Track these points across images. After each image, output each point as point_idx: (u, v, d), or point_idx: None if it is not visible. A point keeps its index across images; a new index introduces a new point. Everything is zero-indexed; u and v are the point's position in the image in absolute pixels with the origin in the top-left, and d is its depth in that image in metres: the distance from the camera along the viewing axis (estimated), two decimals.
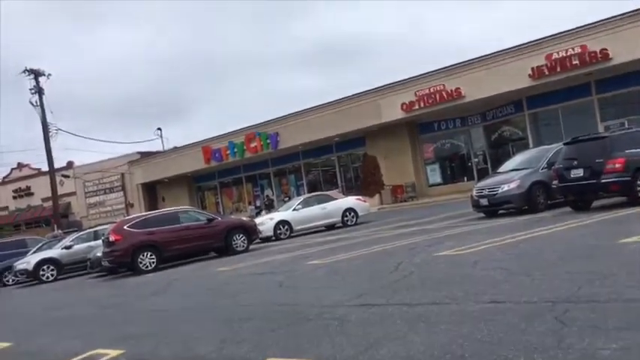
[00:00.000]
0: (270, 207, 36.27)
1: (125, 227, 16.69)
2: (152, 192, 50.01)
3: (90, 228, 24.31)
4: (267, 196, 41.09)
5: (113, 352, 6.67)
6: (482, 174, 28.17)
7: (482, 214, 15.73)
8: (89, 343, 7.44)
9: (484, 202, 15.24)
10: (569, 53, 25.65)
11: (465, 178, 32.22)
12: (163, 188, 49.21)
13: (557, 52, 25.97)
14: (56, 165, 42.85)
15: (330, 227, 22.29)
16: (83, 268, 21.00)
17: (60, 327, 9.43)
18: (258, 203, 39.90)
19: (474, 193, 15.66)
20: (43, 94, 39.86)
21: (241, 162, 42.34)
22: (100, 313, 10.34)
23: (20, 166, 58.73)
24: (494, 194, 14.97)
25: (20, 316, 12.37)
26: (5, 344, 8.51)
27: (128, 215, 46.02)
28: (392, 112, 31.79)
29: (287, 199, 36.94)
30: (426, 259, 9.68)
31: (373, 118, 32.61)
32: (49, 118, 40.29)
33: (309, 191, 38.46)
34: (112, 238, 16.44)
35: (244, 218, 19.52)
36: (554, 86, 27.38)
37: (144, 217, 17.29)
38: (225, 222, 17.98)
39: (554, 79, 26.40)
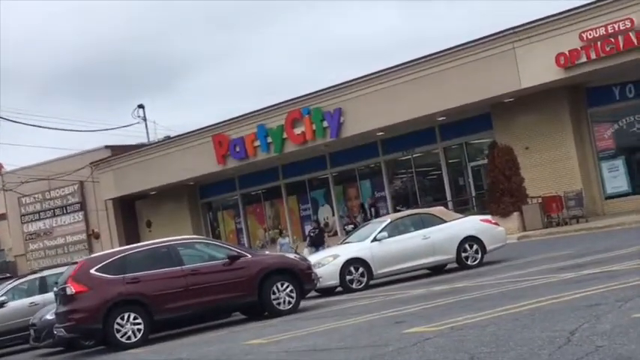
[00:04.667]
0: (318, 239, 36.28)
1: (92, 271, 16.98)
2: (130, 213, 51.14)
3: (32, 273, 24.83)
4: (316, 220, 41.16)
5: None
6: None
7: None
8: None
9: None
10: None
11: None
12: (148, 206, 50.24)
13: None
14: None
15: (437, 270, 22.15)
16: (23, 339, 21.41)
17: None
18: (347, 221, 39.51)
19: None
20: None
21: (279, 161, 42.76)
22: None
23: None
24: None
25: None
26: None
27: (93, 253, 47.43)
28: (538, 69, 31.52)
29: (351, 226, 36.94)
30: (620, 322, 9.43)
31: (505, 82, 32.40)
32: None
33: (396, 208, 38.46)
34: (71, 289, 16.74)
35: (291, 255, 19.54)
36: None
37: (122, 255, 17.58)
38: (260, 261, 18.10)
39: None
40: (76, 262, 18.16)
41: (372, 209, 40.65)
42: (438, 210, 23.74)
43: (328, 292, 21.17)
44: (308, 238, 39.37)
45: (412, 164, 40.63)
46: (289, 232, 44.14)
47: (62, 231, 52.53)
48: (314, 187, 44.42)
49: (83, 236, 51.87)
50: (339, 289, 21.33)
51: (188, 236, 20.92)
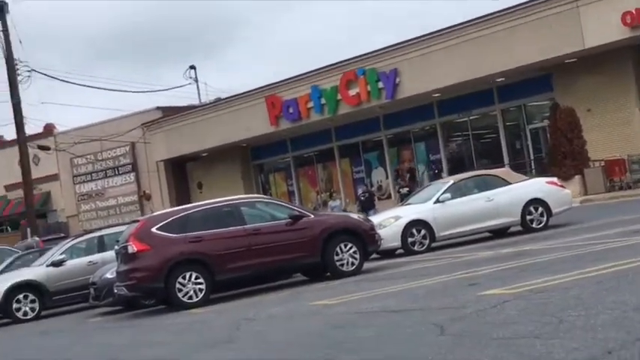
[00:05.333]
0: (368, 203, 35.96)
1: (154, 230, 16.83)
2: (181, 174, 51.17)
3: (88, 232, 24.82)
4: (367, 185, 40.85)
5: None
6: None
7: None
8: None
9: None
10: None
11: None
12: (199, 168, 50.20)
13: None
14: (27, 131, 44.36)
15: (499, 233, 21.79)
16: (82, 298, 21.47)
17: None
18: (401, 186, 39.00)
19: None
20: (7, 11, 41.18)
21: (333, 122, 42.38)
22: None
23: None
24: None
25: None
26: None
27: (144, 214, 47.59)
28: (603, 29, 30.77)
29: (406, 189, 36.55)
30: None
31: (568, 42, 31.70)
32: (16, 54, 41.71)
33: (451, 171, 37.97)
34: (133, 248, 16.62)
35: (354, 215, 19.23)
36: None
37: (184, 214, 17.42)
38: (323, 221, 17.86)
39: None
40: (138, 221, 18.02)
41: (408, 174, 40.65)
42: (502, 171, 23.30)
43: (389, 254, 20.82)
44: (357, 202, 39.10)
45: (469, 126, 39.99)
46: (342, 195, 43.80)
47: (114, 192, 52.65)
48: (367, 150, 43.96)
49: (135, 197, 51.96)
50: (400, 251, 21.02)
51: (250, 195, 20.71)
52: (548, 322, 8.71)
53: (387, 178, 43.00)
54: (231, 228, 17.12)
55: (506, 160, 37.65)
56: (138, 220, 18.10)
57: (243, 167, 48.60)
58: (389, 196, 41.78)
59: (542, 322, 8.83)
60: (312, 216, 18.09)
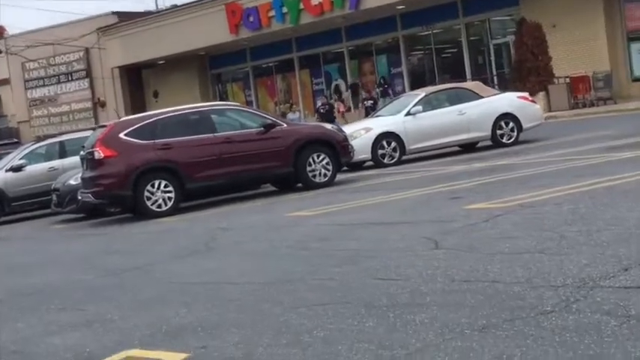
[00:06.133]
0: (327, 116, 35.45)
1: (122, 135, 16.30)
2: (137, 82, 50.22)
3: (48, 137, 24.15)
4: (327, 97, 40.30)
5: (168, 357, 6.28)
6: None
7: None
8: (113, 338, 7.10)
9: None
10: None
11: None
12: (156, 76, 49.22)
13: None
14: None
15: (468, 148, 21.56)
16: (42, 205, 21.00)
17: (47, 308, 9.06)
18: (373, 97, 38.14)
19: None
20: None
21: (294, 33, 41.63)
22: (108, 283, 9.95)
23: None
24: None
25: None
26: None
27: (98, 121, 46.69)
28: None
29: (370, 102, 36.21)
30: None
31: None
32: None
33: (412, 86, 37.64)
34: (99, 154, 16.08)
35: (328, 126, 18.83)
36: None
37: (152, 120, 16.90)
38: (296, 130, 17.47)
39: None
40: (104, 126, 17.42)
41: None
42: (474, 85, 22.93)
43: (357, 166, 20.50)
44: (317, 115, 38.59)
45: (431, 40, 39.57)
46: (300, 107, 43.33)
47: (67, 98, 51.55)
48: (328, 61, 43.46)
49: (89, 104, 51.00)
50: (369, 163, 20.74)
51: (222, 102, 20.17)
52: (549, 238, 8.45)
53: (346, 90, 42.58)
54: (201, 135, 16.64)
55: (468, 75, 37.40)
56: (105, 125, 17.49)
57: (200, 76, 47.85)
58: (349, 109, 41.41)
59: (542, 237, 8.57)
60: (285, 125, 17.63)
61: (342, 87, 42.95)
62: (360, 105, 39.45)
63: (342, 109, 39.06)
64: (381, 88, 39.57)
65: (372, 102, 35.54)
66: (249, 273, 9.21)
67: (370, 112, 35.31)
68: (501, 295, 6.53)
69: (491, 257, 7.95)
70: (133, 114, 29.75)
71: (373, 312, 6.60)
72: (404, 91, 37.92)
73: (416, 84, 36.92)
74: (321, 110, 36.73)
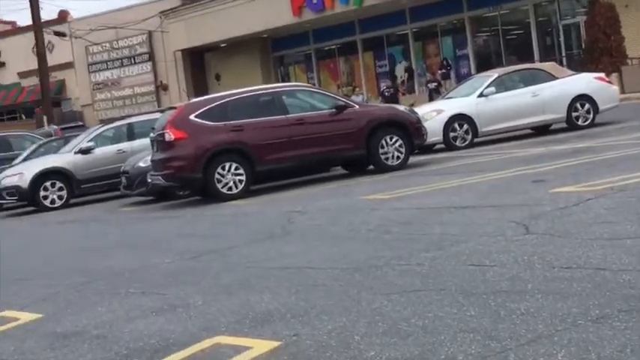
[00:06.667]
0: (392, 100, 34.95)
1: (192, 117, 16.10)
2: (199, 65, 50.21)
3: (119, 119, 24.11)
4: (390, 78, 39.90)
5: (259, 345, 5.97)
6: None
7: None
8: (198, 324, 6.89)
9: None
10: None
11: None
12: (218, 59, 49.16)
13: None
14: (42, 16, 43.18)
15: (541, 130, 21.08)
16: (110, 187, 20.99)
17: (127, 292, 8.89)
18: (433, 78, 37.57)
19: None
20: None
21: (357, 15, 41.19)
22: (185, 267, 9.75)
23: None
24: None
25: (26, 269, 12.14)
26: (35, 315, 8.20)
27: (161, 105, 46.79)
28: None
29: (434, 84, 35.84)
30: None
31: None
32: None
33: (478, 68, 37.04)
34: (170, 136, 15.89)
35: (401, 107, 18.44)
36: None
37: (223, 101, 16.64)
38: (368, 112, 17.13)
39: None
40: (175, 107, 17.25)
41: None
42: (549, 65, 22.34)
43: (427, 149, 20.09)
44: (381, 98, 38.20)
45: (498, 21, 38.83)
46: (363, 90, 42.95)
47: (130, 82, 51.78)
48: (392, 43, 42.96)
49: (151, 87, 51.17)
50: (440, 146, 20.34)
51: (293, 83, 19.89)
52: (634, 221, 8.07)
53: (403, 74, 42.10)
54: (273, 117, 16.39)
55: (536, 56, 36.64)
56: (175, 107, 17.33)
57: (262, 59, 47.65)
58: (412, 91, 40.95)
59: (626, 219, 8.20)
60: (358, 107, 17.28)
61: (400, 71, 42.36)
62: (423, 88, 39.03)
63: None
64: (443, 70, 38.92)
65: (435, 84, 35.06)
66: (331, 257, 8.92)
67: (434, 94, 34.89)
68: (610, 283, 6.16)
69: (590, 243, 7.56)
70: (195, 97, 29.79)
71: (472, 300, 6.28)
72: (469, 73, 37.34)
73: (482, 66, 36.32)
74: (386, 93, 36.40)
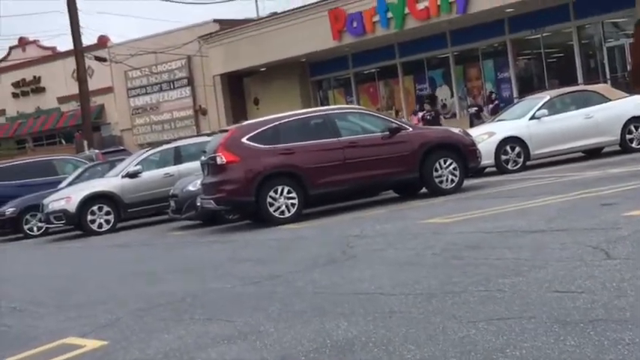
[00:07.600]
0: (433, 123, 34.33)
1: (244, 140, 15.90)
2: (238, 89, 50.15)
3: (165, 143, 23.99)
4: (429, 95, 39.37)
5: None
6: None
7: None
8: (275, 353, 6.63)
9: None
10: None
11: None
12: (257, 83, 49.06)
13: None
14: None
15: (593, 153, 20.73)
16: (158, 211, 20.88)
17: (191, 318, 8.66)
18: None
19: None
20: None
21: (396, 38, 40.96)
22: (249, 292, 9.49)
23: (23, 42, 60.82)
24: None
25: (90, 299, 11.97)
26: (100, 342, 8.00)
27: (200, 129, 46.77)
28: None
29: (475, 108, 35.41)
30: None
31: None
32: None
33: (520, 91, 36.61)
34: (222, 159, 15.69)
35: (455, 129, 18.11)
36: None
37: (274, 124, 16.42)
38: (422, 134, 16.88)
39: None
40: (226, 130, 17.06)
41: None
42: (601, 87, 22.00)
43: (478, 172, 19.66)
44: (422, 122, 37.74)
45: (540, 44, 38.37)
46: (404, 113, 42.61)
47: (169, 106, 51.78)
48: (432, 67, 42.58)
49: (190, 112, 51.13)
50: (490, 169, 19.98)
51: (344, 106, 19.67)
52: None
53: (451, 96, 41.68)
54: (325, 140, 16.14)
55: (580, 79, 36.14)
56: (226, 130, 17.14)
57: (301, 83, 47.47)
58: (453, 115, 40.55)
59: None
60: (411, 129, 17.00)
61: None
62: (464, 112, 38.61)
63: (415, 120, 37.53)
64: (491, 105, 37.90)
65: (476, 109, 34.62)
66: (401, 283, 8.60)
67: (474, 119, 34.42)
68: None
69: None
70: (235, 122, 29.64)
71: (569, 329, 5.95)
72: (511, 96, 36.91)
73: (524, 89, 35.91)
74: (427, 117, 35.92)
